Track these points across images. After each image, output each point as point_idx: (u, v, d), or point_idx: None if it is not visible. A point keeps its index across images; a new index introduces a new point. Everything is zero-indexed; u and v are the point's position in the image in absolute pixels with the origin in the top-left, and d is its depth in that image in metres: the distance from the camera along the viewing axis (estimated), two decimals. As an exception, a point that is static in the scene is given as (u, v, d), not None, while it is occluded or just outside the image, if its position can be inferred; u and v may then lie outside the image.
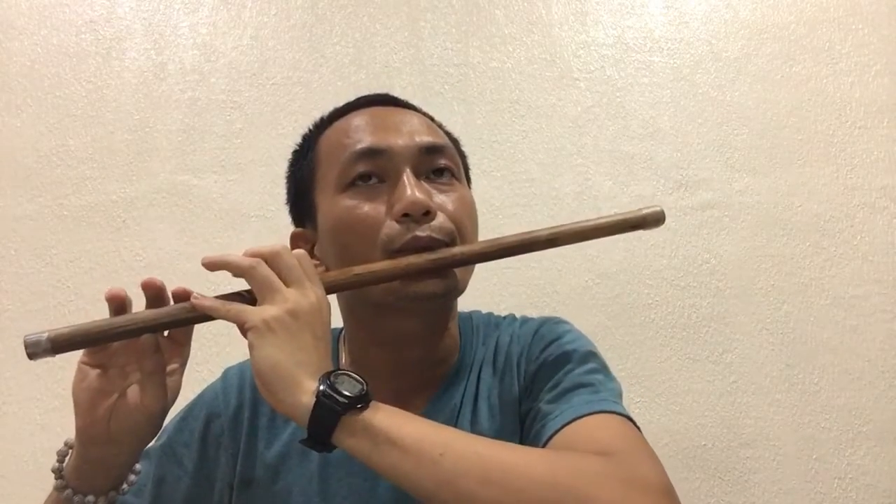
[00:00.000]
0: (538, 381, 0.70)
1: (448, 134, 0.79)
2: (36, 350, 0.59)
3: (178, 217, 1.39)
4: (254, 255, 0.61)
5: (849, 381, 1.41)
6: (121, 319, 0.60)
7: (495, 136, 1.48)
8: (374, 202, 0.68)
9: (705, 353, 1.41)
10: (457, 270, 0.68)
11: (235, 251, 0.62)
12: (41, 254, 1.36)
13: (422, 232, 0.66)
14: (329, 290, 0.63)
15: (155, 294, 0.61)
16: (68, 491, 0.63)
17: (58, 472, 0.64)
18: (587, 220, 0.69)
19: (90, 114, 1.42)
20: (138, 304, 0.63)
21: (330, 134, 0.75)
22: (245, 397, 0.77)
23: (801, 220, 1.48)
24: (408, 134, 0.71)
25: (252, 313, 0.58)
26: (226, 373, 0.82)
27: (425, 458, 0.53)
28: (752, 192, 1.49)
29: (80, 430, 0.62)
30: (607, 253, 1.43)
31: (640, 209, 0.69)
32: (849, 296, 1.45)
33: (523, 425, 0.70)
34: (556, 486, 0.51)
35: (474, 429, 0.71)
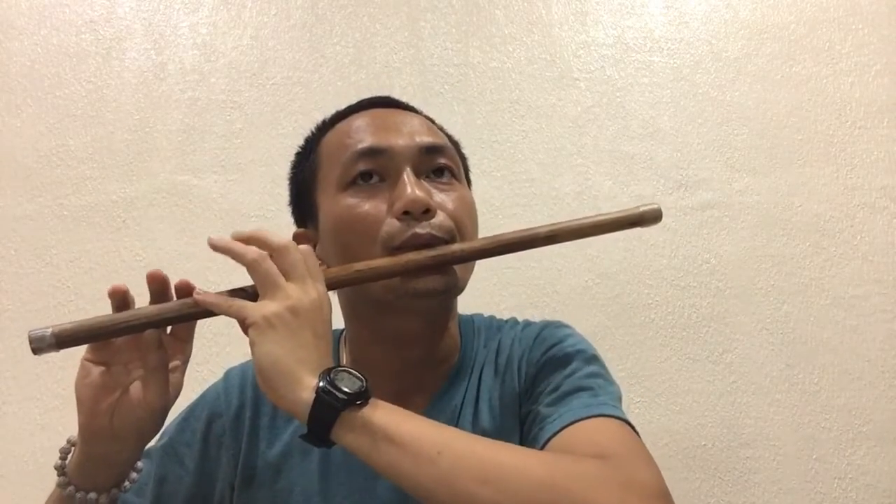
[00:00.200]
0: (538, 384, 0.70)
1: (448, 136, 0.79)
2: (40, 345, 0.59)
3: (178, 217, 1.39)
4: (262, 243, 0.61)
5: (849, 381, 1.41)
6: (124, 315, 0.60)
7: (495, 136, 1.48)
8: (375, 200, 0.69)
9: (705, 353, 1.41)
10: (457, 268, 0.69)
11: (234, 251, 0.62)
12: (41, 254, 1.36)
13: (422, 229, 0.67)
14: (330, 287, 0.64)
15: (159, 287, 0.62)
16: (71, 488, 0.64)
17: (60, 470, 0.65)
18: (586, 218, 0.70)
19: (90, 114, 1.42)
20: (140, 302, 0.63)
21: (332, 135, 0.76)
22: (247, 397, 0.77)
23: (801, 220, 1.48)
24: (408, 134, 0.72)
25: (253, 309, 0.58)
26: (227, 373, 0.82)
27: (423, 456, 0.53)
28: (752, 192, 1.49)
29: (83, 427, 0.62)
30: (607, 253, 1.43)
31: (639, 206, 0.69)
32: (849, 296, 1.45)
33: (523, 427, 0.71)
34: (553, 487, 0.51)
35: (475, 429, 0.71)
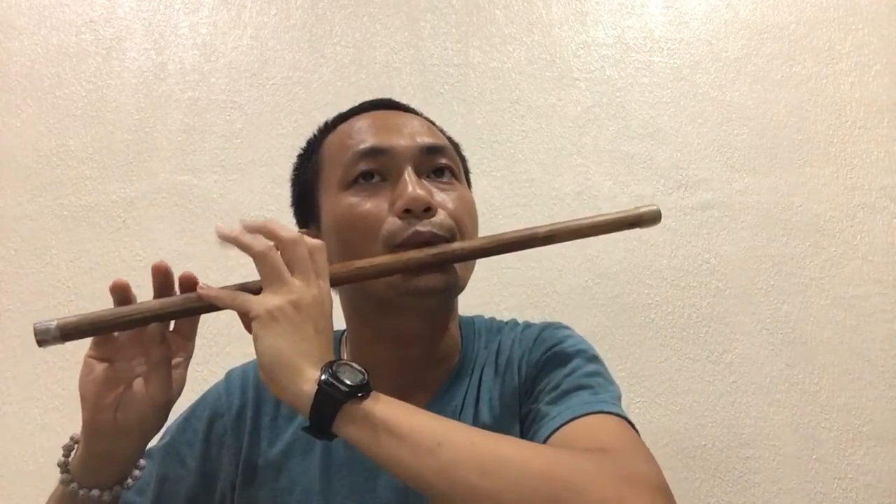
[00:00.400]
0: (538, 383, 0.71)
1: (448, 138, 0.80)
2: (45, 337, 0.59)
3: (178, 217, 1.39)
4: (272, 235, 0.61)
5: (849, 381, 1.41)
6: (127, 309, 0.61)
7: (495, 136, 1.48)
8: (377, 199, 0.70)
9: (705, 353, 1.41)
10: (457, 267, 0.70)
11: (234, 251, 0.63)
12: (41, 254, 1.36)
13: (423, 227, 0.67)
14: (332, 283, 0.64)
15: (163, 279, 0.62)
16: (74, 485, 0.64)
17: (63, 467, 0.65)
18: (585, 218, 0.70)
19: (90, 114, 1.42)
20: (142, 299, 0.63)
21: (333, 137, 0.77)
22: (248, 397, 0.78)
23: (801, 220, 1.48)
24: (409, 135, 0.73)
25: (256, 303, 0.59)
26: (229, 374, 0.82)
27: (423, 447, 0.53)
28: (752, 192, 1.49)
29: (87, 423, 0.62)
30: (607, 253, 1.43)
31: (638, 207, 0.70)
32: (849, 296, 1.45)
33: (522, 426, 0.71)
34: (552, 478, 0.51)
35: None
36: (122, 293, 0.62)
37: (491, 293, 1.40)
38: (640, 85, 1.52)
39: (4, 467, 1.27)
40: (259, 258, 0.60)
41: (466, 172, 0.81)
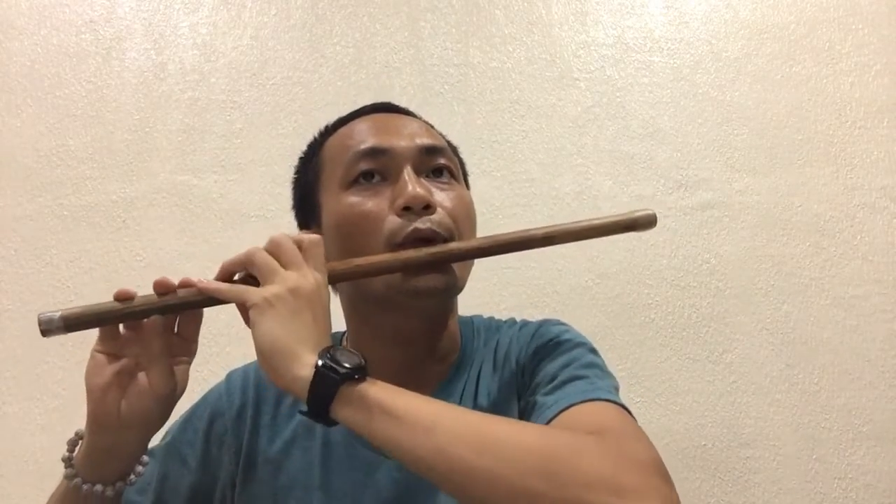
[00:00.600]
0: (536, 376, 0.71)
1: (448, 142, 0.81)
2: (49, 327, 0.60)
3: (178, 217, 1.39)
4: (250, 253, 0.63)
5: (849, 381, 1.41)
6: (130, 301, 0.62)
7: (495, 136, 1.48)
8: (377, 199, 0.71)
9: (705, 353, 1.41)
10: (455, 267, 0.70)
11: (234, 251, 0.64)
12: (41, 254, 1.36)
13: (422, 224, 0.69)
14: (330, 280, 0.65)
15: (164, 290, 0.63)
16: (77, 479, 0.65)
17: (67, 461, 0.66)
18: (582, 221, 0.72)
19: (90, 114, 1.42)
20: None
21: (334, 139, 0.78)
22: (248, 396, 0.78)
23: (801, 220, 1.48)
24: (408, 136, 0.74)
25: (253, 292, 0.60)
26: (229, 375, 0.83)
27: (419, 427, 0.54)
28: (752, 192, 1.49)
29: (91, 417, 0.63)
30: (607, 253, 1.43)
31: (634, 211, 0.72)
32: (849, 296, 1.45)
33: (521, 419, 0.71)
34: (548, 456, 0.52)
35: None
36: (125, 297, 0.63)
37: (491, 293, 1.40)
38: (640, 85, 1.52)
39: (4, 467, 1.27)
40: (250, 260, 0.62)
41: (465, 174, 0.82)
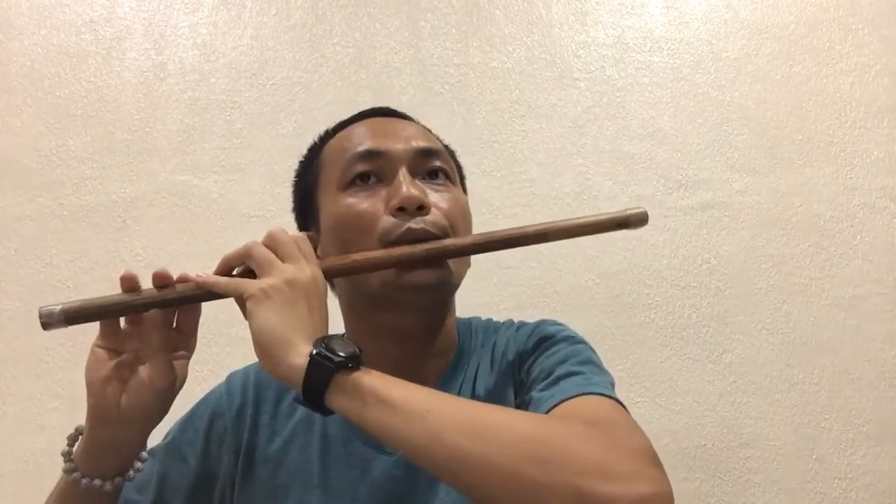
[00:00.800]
0: (532, 374, 0.72)
1: (446, 146, 0.82)
2: (50, 321, 0.61)
3: (178, 217, 1.39)
4: (249, 247, 0.65)
5: (849, 381, 1.41)
6: (129, 295, 0.63)
7: (495, 136, 1.48)
8: (373, 199, 0.72)
9: (705, 353, 1.41)
10: (451, 263, 0.71)
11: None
12: (41, 254, 1.36)
13: (416, 224, 0.69)
14: (327, 275, 0.66)
15: (162, 282, 0.64)
16: (76, 474, 0.65)
17: (67, 456, 0.66)
18: (575, 218, 0.73)
19: (90, 114, 1.42)
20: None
21: (333, 142, 0.79)
22: (248, 396, 0.79)
23: (801, 220, 1.48)
24: (405, 139, 0.75)
25: (251, 284, 0.61)
26: (229, 376, 0.84)
27: (413, 414, 0.54)
28: (752, 192, 1.49)
29: (91, 410, 0.64)
30: (607, 253, 1.43)
31: (626, 209, 0.72)
32: (849, 296, 1.45)
33: None
34: (541, 442, 0.52)
35: None
36: (130, 283, 0.64)
37: (491, 293, 1.40)
38: (640, 85, 1.52)
39: (4, 467, 1.27)
40: (248, 253, 0.64)
41: (462, 178, 0.83)
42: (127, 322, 0.65)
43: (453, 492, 0.69)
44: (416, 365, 0.76)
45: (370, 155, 0.73)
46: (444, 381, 0.76)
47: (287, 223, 0.83)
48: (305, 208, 0.80)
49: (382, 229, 0.70)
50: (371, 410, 0.55)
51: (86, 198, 1.39)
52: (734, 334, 1.42)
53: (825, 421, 1.39)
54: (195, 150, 1.43)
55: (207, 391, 0.83)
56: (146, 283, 0.64)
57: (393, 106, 0.85)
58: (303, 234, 0.67)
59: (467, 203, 0.78)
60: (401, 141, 0.75)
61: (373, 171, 0.73)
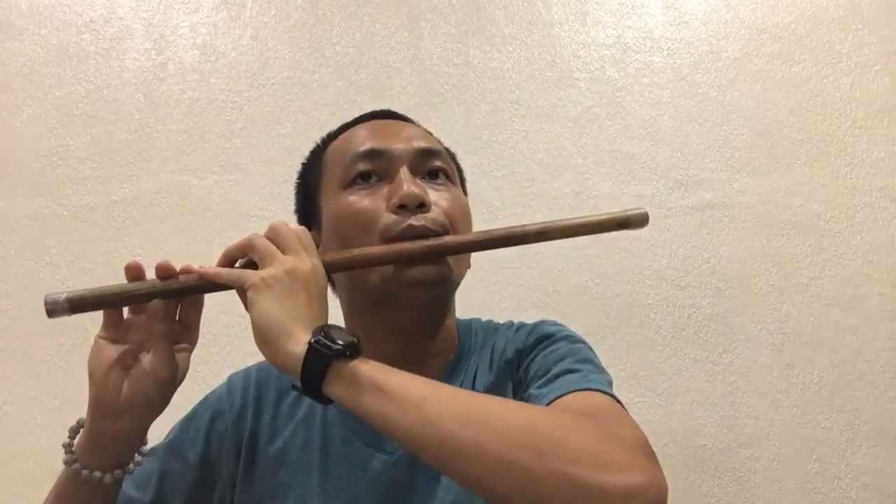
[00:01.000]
0: (530, 372, 0.72)
1: (446, 149, 0.83)
2: (55, 308, 0.62)
3: (178, 217, 1.39)
4: (251, 239, 0.66)
5: (849, 381, 1.41)
6: (134, 285, 0.64)
7: (495, 136, 1.48)
8: (374, 198, 0.73)
9: (705, 353, 1.41)
10: (451, 261, 0.72)
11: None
12: (41, 254, 1.36)
13: (416, 221, 0.70)
14: (327, 269, 0.67)
15: (165, 274, 0.65)
16: (76, 465, 0.65)
17: (68, 447, 0.67)
18: (576, 217, 0.73)
19: (90, 114, 1.42)
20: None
21: (335, 144, 0.80)
22: (249, 396, 0.79)
23: (801, 220, 1.48)
24: (406, 139, 0.76)
25: (252, 274, 0.62)
26: (230, 377, 0.84)
27: (409, 402, 0.55)
28: (752, 192, 1.49)
29: (93, 400, 0.64)
30: (607, 253, 1.43)
31: (627, 209, 0.73)
32: (849, 296, 1.45)
33: None
34: (535, 429, 0.53)
35: None
36: (135, 273, 0.65)
37: (491, 293, 1.40)
38: (640, 85, 1.52)
39: (4, 467, 1.28)
40: (250, 245, 0.65)
41: (462, 181, 0.83)
42: (130, 312, 0.66)
43: (452, 491, 0.69)
44: (416, 364, 0.75)
45: (372, 154, 0.74)
46: (443, 380, 0.76)
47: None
48: (307, 208, 0.81)
49: (383, 226, 0.70)
50: (367, 398, 0.56)
51: (86, 198, 1.39)
52: (734, 334, 1.42)
53: (825, 421, 1.39)
54: (195, 150, 1.43)
55: (208, 392, 0.83)
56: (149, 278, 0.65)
57: (393, 106, 0.85)
58: (304, 228, 0.68)
59: (467, 203, 0.78)
60: (402, 141, 0.76)
61: (374, 170, 0.74)
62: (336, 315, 0.69)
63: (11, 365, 1.31)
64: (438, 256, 0.70)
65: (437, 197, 0.74)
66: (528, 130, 1.49)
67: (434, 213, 0.71)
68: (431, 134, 0.83)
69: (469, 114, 1.49)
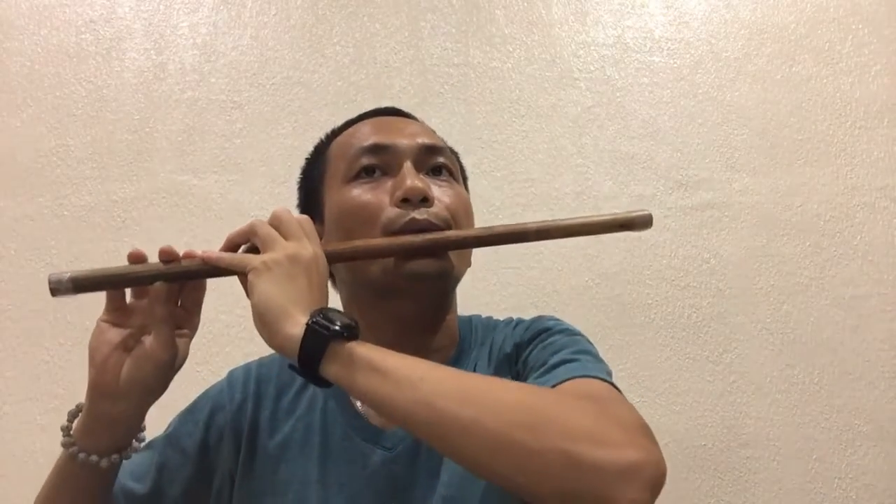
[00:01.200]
0: (528, 365, 0.73)
1: (449, 147, 0.83)
2: (58, 287, 0.64)
3: (178, 217, 1.39)
4: (254, 224, 0.67)
5: (849, 381, 1.41)
6: (138, 267, 0.65)
7: (495, 136, 1.48)
8: (377, 191, 0.73)
9: (705, 353, 1.41)
10: (452, 256, 0.72)
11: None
12: (41, 254, 1.36)
13: (419, 215, 0.71)
14: (329, 260, 0.67)
15: (168, 258, 0.66)
16: (74, 448, 0.66)
17: (66, 431, 0.67)
18: (579, 217, 0.74)
19: (90, 114, 1.42)
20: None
21: (339, 139, 0.81)
22: (249, 391, 0.80)
23: (801, 220, 1.48)
24: (410, 135, 0.77)
25: (253, 258, 0.63)
26: (230, 372, 0.84)
27: (405, 381, 0.55)
28: (752, 192, 1.49)
29: (92, 383, 0.65)
30: (607, 253, 1.43)
31: (631, 211, 0.73)
32: (849, 296, 1.45)
33: None
34: (532, 408, 0.53)
35: None
36: (138, 260, 0.66)
37: (491, 293, 1.40)
38: (640, 85, 1.52)
39: (4, 467, 1.28)
40: (253, 230, 0.65)
41: (465, 179, 0.84)
42: (133, 296, 0.67)
43: (452, 486, 0.69)
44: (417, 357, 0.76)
45: (376, 149, 0.75)
46: None
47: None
48: (310, 202, 0.81)
49: (386, 219, 0.71)
50: (364, 378, 0.56)
51: (86, 198, 1.39)
52: (734, 334, 1.42)
53: (825, 421, 1.39)
54: (195, 150, 1.43)
55: (208, 392, 0.83)
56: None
57: (393, 106, 0.85)
58: (306, 216, 0.68)
59: (469, 200, 0.79)
60: (406, 137, 0.76)
61: (378, 164, 0.75)
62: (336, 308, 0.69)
63: (11, 365, 1.31)
64: (440, 250, 0.71)
65: (440, 193, 0.74)
66: (528, 130, 1.49)
67: (437, 208, 0.72)
68: (434, 132, 0.83)
69: (469, 114, 1.49)
